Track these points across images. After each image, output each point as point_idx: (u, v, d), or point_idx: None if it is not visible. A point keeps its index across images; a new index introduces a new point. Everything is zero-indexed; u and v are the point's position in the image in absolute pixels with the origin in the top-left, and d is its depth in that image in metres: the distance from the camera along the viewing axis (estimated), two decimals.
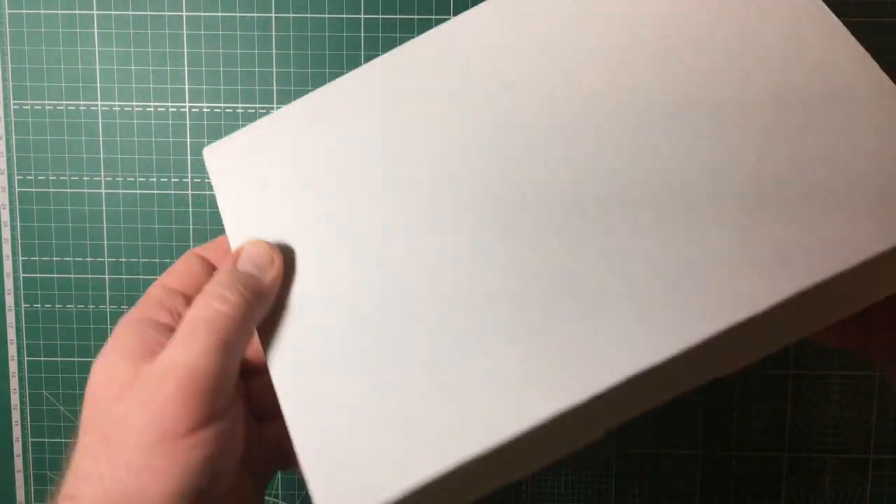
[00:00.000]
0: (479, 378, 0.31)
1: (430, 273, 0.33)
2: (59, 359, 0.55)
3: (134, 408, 0.30)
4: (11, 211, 0.55)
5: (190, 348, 0.31)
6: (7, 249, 0.55)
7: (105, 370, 0.32)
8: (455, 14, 0.52)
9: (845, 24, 0.54)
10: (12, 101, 0.54)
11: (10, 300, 0.55)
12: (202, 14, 0.53)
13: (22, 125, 0.54)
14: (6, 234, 0.55)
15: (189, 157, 0.54)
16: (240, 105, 0.53)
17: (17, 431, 0.55)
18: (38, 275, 0.55)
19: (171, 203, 0.54)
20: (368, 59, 0.52)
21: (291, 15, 0.53)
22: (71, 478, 0.31)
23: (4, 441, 0.56)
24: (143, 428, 0.30)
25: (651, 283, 0.31)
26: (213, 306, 0.32)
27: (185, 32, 0.53)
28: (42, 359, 0.55)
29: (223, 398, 0.32)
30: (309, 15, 0.53)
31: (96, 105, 0.54)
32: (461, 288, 0.32)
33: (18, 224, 0.55)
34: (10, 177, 0.55)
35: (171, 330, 0.33)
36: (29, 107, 0.54)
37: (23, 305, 0.55)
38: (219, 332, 0.31)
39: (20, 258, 0.55)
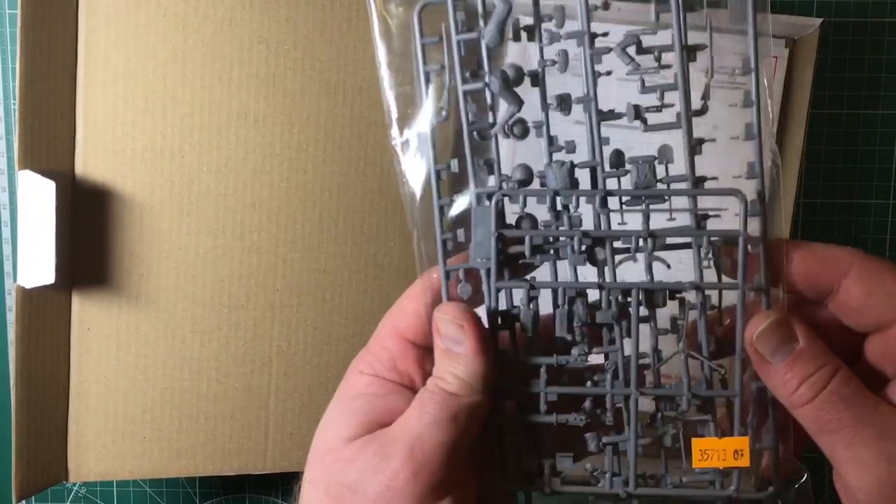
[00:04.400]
0: None
1: None
2: None
3: (368, 474, 0.32)
4: (12, 211, 0.55)
5: (420, 418, 0.32)
6: (7, 250, 0.55)
7: (338, 427, 0.34)
8: None
9: (844, 23, 0.54)
10: (12, 101, 0.54)
11: (10, 300, 0.55)
12: None
13: None
14: (6, 234, 0.55)
15: None
16: None
17: None
18: None
19: None
20: None
21: None
22: None
23: (4, 441, 0.56)
24: (375, 498, 0.31)
25: None
26: (438, 384, 0.33)
27: None
28: None
29: (452, 473, 0.32)
30: None
31: None
32: None
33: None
34: (10, 177, 0.55)
35: (404, 390, 0.35)
36: None
37: None
38: (447, 406, 0.32)
39: None
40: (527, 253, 0.34)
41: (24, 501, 0.48)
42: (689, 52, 0.34)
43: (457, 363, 0.33)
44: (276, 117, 0.49)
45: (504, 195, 0.34)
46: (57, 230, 0.45)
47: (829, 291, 0.33)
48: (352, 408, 0.34)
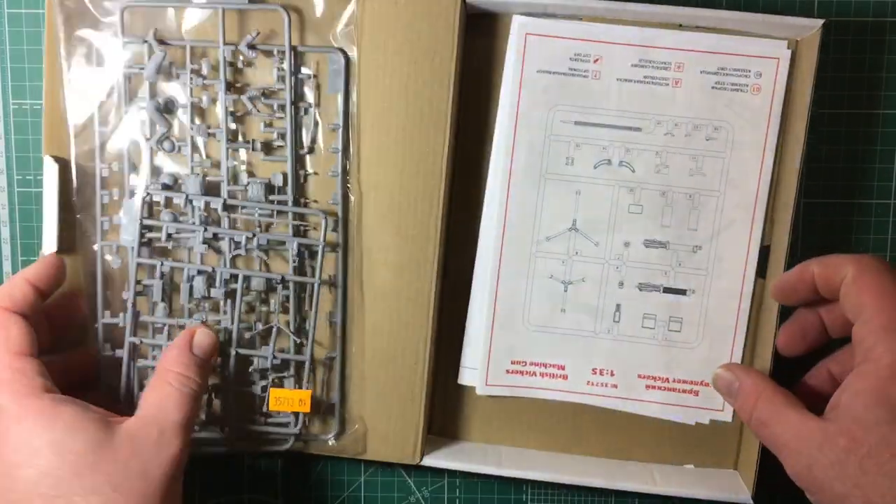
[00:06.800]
0: None
1: None
2: None
3: (142, 462, 0.41)
4: (11, 211, 0.55)
5: (179, 410, 0.43)
6: (7, 250, 0.55)
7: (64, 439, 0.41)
8: None
9: (845, 22, 0.54)
10: (11, 101, 0.54)
11: None
12: None
13: (22, 125, 0.54)
14: (6, 233, 0.55)
15: None
16: None
17: None
18: None
19: None
20: None
21: None
22: None
23: None
24: (161, 476, 0.42)
25: None
26: (183, 385, 0.44)
27: None
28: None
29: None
30: None
31: None
32: None
33: (18, 224, 0.55)
34: (9, 177, 0.54)
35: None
36: (28, 107, 0.54)
37: None
38: (190, 406, 0.44)
39: (20, 258, 0.55)
40: (162, 238, 0.47)
41: None
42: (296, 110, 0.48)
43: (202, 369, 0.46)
44: None
45: (149, 193, 0.48)
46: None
47: (837, 290, 0.44)
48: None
